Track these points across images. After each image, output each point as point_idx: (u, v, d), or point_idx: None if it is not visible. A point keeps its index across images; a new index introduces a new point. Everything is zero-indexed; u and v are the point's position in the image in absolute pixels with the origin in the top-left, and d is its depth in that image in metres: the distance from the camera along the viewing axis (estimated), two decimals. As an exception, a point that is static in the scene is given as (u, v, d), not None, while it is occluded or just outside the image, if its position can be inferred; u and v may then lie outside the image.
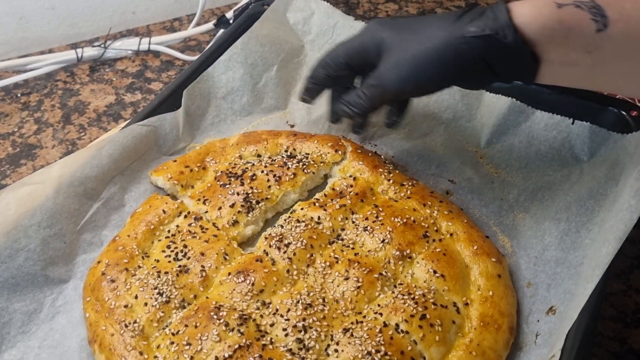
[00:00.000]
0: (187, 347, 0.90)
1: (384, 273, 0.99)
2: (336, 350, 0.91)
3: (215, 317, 0.92)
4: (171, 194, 1.13)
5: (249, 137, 1.19)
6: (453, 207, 1.10)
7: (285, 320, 0.93)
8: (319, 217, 1.06)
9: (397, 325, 0.93)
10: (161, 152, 1.19)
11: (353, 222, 1.06)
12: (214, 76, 1.27)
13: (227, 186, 1.10)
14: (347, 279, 0.98)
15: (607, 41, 0.86)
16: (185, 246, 1.02)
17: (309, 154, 1.17)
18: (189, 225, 1.06)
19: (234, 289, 0.97)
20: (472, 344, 0.93)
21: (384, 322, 0.93)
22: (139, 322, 0.94)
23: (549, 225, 1.08)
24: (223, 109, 1.27)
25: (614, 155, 1.08)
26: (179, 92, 1.23)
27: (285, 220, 1.06)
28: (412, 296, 0.96)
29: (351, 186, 1.11)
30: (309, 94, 1.10)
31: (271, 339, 0.92)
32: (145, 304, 0.95)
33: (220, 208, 1.08)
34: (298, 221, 1.05)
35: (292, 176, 1.12)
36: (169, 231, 1.06)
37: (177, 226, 1.06)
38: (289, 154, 1.17)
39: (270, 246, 1.02)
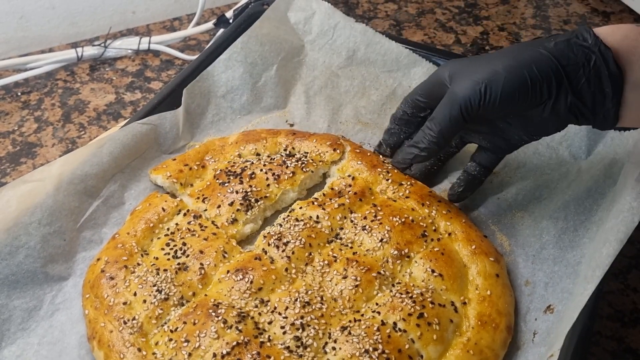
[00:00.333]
0: (185, 343, 0.91)
1: (382, 272, 1.00)
2: (334, 348, 0.91)
3: (213, 314, 0.93)
4: (170, 192, 1.14)
5: (248, 136, 1.20)
6: (451, 207, 1.11)
7: (284, 318, 0.94)
8: (317, 216, 1.07)
9: (394, 323, 0.93)
10: (161, 151, 1.20)
11: (352, 221, 1.07)
12: (214, 75, 1.28)
13: (226, 184, 1.11)
14: (345, 277, 0.99)
15: None
16: (184, 244, 1.03)
17: (307, 152, 1.17)
18: (188, 223, 1.07)
19: (233, 287, 0.97)
20: (470, 343, 0.94)
21: (382, 321, 0.94)
22: (137, 319, 0.95)
23: (547, 224, 1.08)
24: (223, 108, 1.28)
25: (612, 153, 1.10)
26: (178, 91, 1.24)
27: (284, 219, 1.07)
28: (410, 295, 0.96)
29: (350, 186, 1.11)
30: (389, 137, 1.13)
31: (269, 336, 0.93)
32: (144, 301, 0.96)
33: (219, 206, 1.08)
34: (297, 220, 1.06)
35: (291, 175, 1.12)
36: (168, 229, 1.07)
37: (177, 224, 1.07)
38: (288, 152, 1.18)
39: (269, 245, 1.03)
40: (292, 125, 1.29)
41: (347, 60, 1.34)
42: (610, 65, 0.91)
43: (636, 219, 0.92)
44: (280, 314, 0.95)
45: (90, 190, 1.10)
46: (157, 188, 1.16)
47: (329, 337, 0.93)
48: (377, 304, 0.96)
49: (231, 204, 1.08)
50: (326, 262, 1.01)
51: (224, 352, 0.89)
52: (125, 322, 0.94)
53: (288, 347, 0.91)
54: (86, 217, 1.09)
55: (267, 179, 1.12)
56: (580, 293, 0.91)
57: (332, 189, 1.11)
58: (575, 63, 0.93)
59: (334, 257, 1.02)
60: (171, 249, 1.03)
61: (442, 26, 1.65)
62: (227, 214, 1.08)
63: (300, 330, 0.93)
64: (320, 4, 1.36)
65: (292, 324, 0.93)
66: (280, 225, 1.06)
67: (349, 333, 0.92)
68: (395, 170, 1.15)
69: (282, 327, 0.93)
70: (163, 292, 0.97)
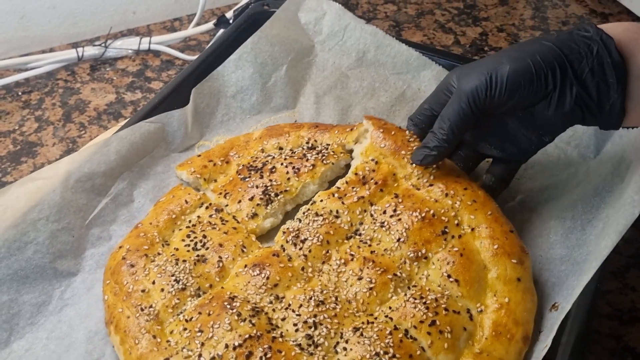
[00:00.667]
0: (199, 333, 0.93)
1: (398, 274, 0.99)
2: (345, 349, 0.92)
3: (228, 306, 0.94)
4: (195, 187, 1.16)
5: (271, 131, 1.21)
6: (478, 196, 1.06)
7: (297, 315, 0.95)
8: (337, 211, 1.06)
9: (406, 330, 0.93)
10: (170, 149, 1.22)
11: (371, 215, 1.06)
12: (224, 75, 1.29)
13: (247, 179, 1.12)
14: (360, 278, 0.98)
15: None
16: (204, 236, 1.05)
17: (329, 144, 1.18)
18: (210, 216, 1.08)
19: (249, 282, 0.99)
20: (482, 355, 0.93)
21: (395, 326, 0.94)
22: (154, 307, 0.97)
23: (554, 224, 1.09)
24: (232, 108, 1.29)
25: (620, 152, 1.10)
26: (179, 91, 1.26)
27: (304, 213, 1.07)
28: (424, 300, 0.96)
29: (373, 171, 1.09)
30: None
31: (282, 332, 0.94)
32: (162, 290, 0.98)
33: (240, 201, 1.10)
34: (317, 215, 1.06)
35: (310, 167, 1.13)
36: (189, 221, 1.08)
37: (198, 217, 1.09)
38: (309, 145, 1.19)
39: (287, 242, 1.04)
40: (301, 125, 1.30)
41: (357, 62, 1.35)
42: (612, 53, 0.93)
43: (637, 211, 0.93)
44: (294, 311, 0.95)
45: (98, 188, 1.11)
46: (165, 186, 1.18)
47: (341, 337, 0.93)
48: (390, 308, 0.96)
49: (251, 199, 1.10)
50: (343, 260, 1.01)
51: (236, 343, 0.90)
52: (142, 309, 0.96)
53: (299, 345, 0.92)
54: (95, 215, 1.10)
55: (287, 172, 1.12)
56: (579, 286, 0.93)
57: (355, 174, 1.09)
58: (578, 53, 0.95)
59: (351, 255, 1.01)
60: (191, 240, 1.05)
61: (442, 27, 1.67)
62: (247, 209, 1.09)
63: (313, 329, 0.93)
64: (331, 5, 1.38)
65: (305, 322, 0.94)
66: (300, 221, 1.06)
67: (361, 334, 0.92)
68: None
69: (295, 325, 0.94)
70: (181, 282, 0.98)
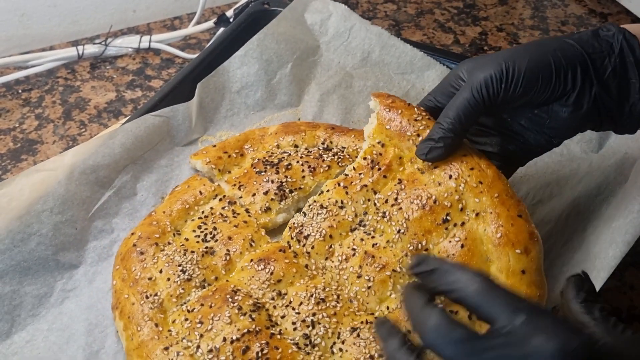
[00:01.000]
0: (199, 325, 0.94)
1: (397, 269, 0.97)
2: (340, 349, 0.92)
3: (230, 299, 0.95)
4: (209, 177, 1.17)
5: (287, 128, 1.23)
6: (486, 176, 0.98)
7: (296, 313, 0.95)
8: (342, 202, 1.04)
9: (403, 334, 0.91)
10: (174, 143, 1.23)
11: (375, 204, 1.03)
12: (229, 70, 1.31)
13: (262, 173, 1.14)
14: (359, 276, 0.98)
15: None
16: (215, 228, 1.06)
17: (345, 147, 1.19)
18: (222, 208, 1.10)
19: (253, 276, 1.00)
20: None
21: None
22: (159, 295, 0.98)
23: (556, 224, 1.10)
24: (237, 103, 1.31)
25: (624, 147, 1.12)
26: (179, 89, 1.28)
27: (309, 206, 1.06)
28: None
29: (380, 154, 1.05)
30: None
31: (280, 330, 0.95)
32: (168, 279, 0.99)
33: (254, 194, 1.11)
34: (322, 207, 1.05)
35: (326, 168, 1.15)
36: (202, 212, 1.10)
37: (211, 208, 1.10)
38: (325, 146, 1.20)
39: (292, 238, 1.05)
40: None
41: (361, 62, 1.37)
42: (636, 52, 0.92)
43: None
44: (294, 309, 0.96)
45: (102, 181, 1.13)
46: (168, 180, 1.19)
47: (338, 338, 0.94)
48: (388, 307, 0.96)
49: (266, 193, 1.11)
50: (345, 256, 1.01)
51: (234, 337, 0.92)
52: (147, 297, 0.98)
53: (297, 344, 0.93)
54: (98, 207, 1.12)
55: (303, 170, 1.14)
56: None
57: (364, 158, 1.07)
58: (601, 51, 0.92)
59: (353, 250, 1.00)
60: (202, 231, 1.06)
61: (441, 26, 1.69)
62: (261, 202, 1.11)
63: (310, 328, 0.94)
64: (337, 6, 1.40)
65: (303, 321, 0.95)
66: (305, 214, 1.06)
67: (358, 335, 0.93)
68: (428, 129, 1.03)
69: (294, 323, 0.95)
70: (187, 273, 1.00)
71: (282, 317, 0.96)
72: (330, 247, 1.02)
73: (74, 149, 1.13)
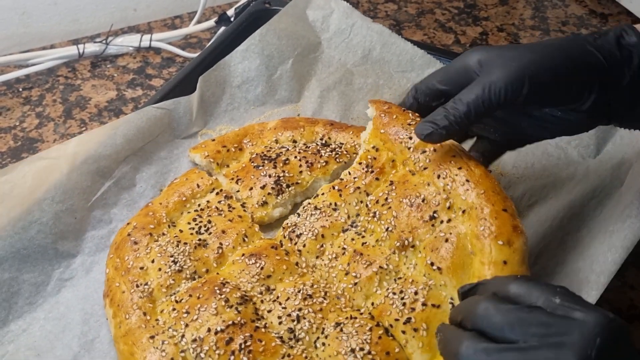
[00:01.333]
0: (185, 314, 0.95)
1: (384, 266, 0.98)
2: (323, 344, 0.93)
3: (218, 291, 0.97)
4: (207, 171, 1.19)
5: (286, 123, 1.24)
6: (473, 174, 0.98)
7: (282, 308, 0.96)
8: (335, 204, 1.06)
9: (386, 329, 0.93)
10: (174, 135, 1.25)
11: (367, 205, 1.05)
12: (231, 65, 1.32)
13: (260, 168, 1.15)
14: (347, 273, 0.99)
15: None
16: (209, 222, 1.08)
17: (343, 143, 1.21)
18: (219, 202, 1.11)
19: (243, 270, 1.01)
20: None
21: (378, 322, 0.94)
22: (149, 284, 0.99)
23: (550, 225, 1.10)
24: (237, 98, 1.33)
25: (621, 153, 1.12)
26: (180, 88, 1.29)
27: (304, 207, 1.09)
28: (402, 296, 0.94)
29: (374, 158, 1.08)
30: None
31: (265, 324, 0.96)
32: (159, 269, 1.01)
33: (251, 188, 1.13)
34: (315, 208, 1.07)
35: (323, 164, 1.16)
36: (199, 205, 1.12)
37: (208, 202, 1.12)
38: (323, 142, 1.22)
39: (284, 237, 1.06)
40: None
41: (362, 59, 1.38)
42: None
43: None
44: (280, 303, 0.97)
45: (102, 171, 1.14)
46: (167, 172, 1.21)
47: (322, 333, 0.94)
48: (373, 303, 0.97)
49: (263, 187, 1.13)
50: (335, 255, 1.02)
51: (218, 328, 0.93)
52: (137, 286, 0.99)
53: (281, 337, 0.94)
54: (97, 197, 1.13)
55: (300, 165, 1.16)
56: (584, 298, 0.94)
57: (359, 163, 1.09)
58: (622, 62, 0.91)
59: (344, 249, 1.02)
60: (197, 224, 1.08)
61: (442, 26, 1.70)
62: (258, 196, 1.12)
63: (295, 322, 0.95)
64: (339, 3, 1.41)
65: (289, 315, 0.96)
66: (299, 215, 1.08)
67: (341, 330, 0.93)
68: None
69: (279, 317, 0.96)
70: (178, 264, 1.01)
71: (269, 311, 0.97)
72: (322, 246, 1.04)
73: (77, 138, 1.15)
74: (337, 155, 1.18)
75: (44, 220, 1.06)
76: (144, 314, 0.97)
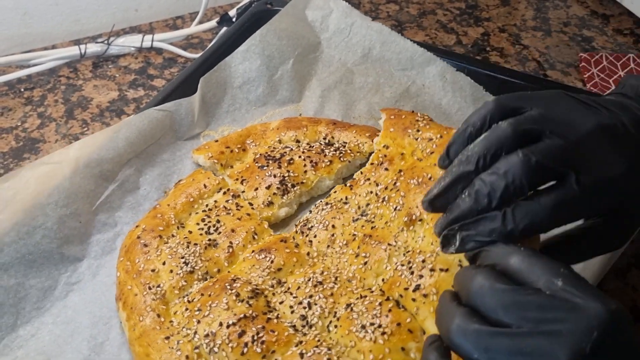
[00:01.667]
0: (197, 312, 0.96)
1: (393, 243, 1.00)
2: (336, 326, 0.93)
3: (228, 287, 0.98)
4: (212, 172, 1.19)
5: (289, 123, 1.25)
6: None
7: (293, 297, 0.98)
8: (346, 197, 1.11)
9: (397, 301, 0.93)
10: (176, 137, 1.25)
11: (376, 194, 1.09)
12: (231, 66, 1.33)
13: (264, 168, 1.16)
14: (357, 256, 1.01)
15: None
16: (218, 221, 1.09)
17: (346, 142, 1.22)
18: (226, 201, 1.12)
19: (254, 265, 1.02)
20: None
21: (387, 297, 0.94)
22: (162, 287, 1.00)
23: None
24: (238, 99, 1.33)
25: None
26: (182, 88, 1.30)
27: (316, 205, 1.12)
28: (410, 265, 0.95)
29: (385, 156, 1.13)
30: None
31: (278, 314, 0.97)
32: (171, 271, 1.01)
33: (256, 189, 1.14)
34: (326, 204, 1.11)
35: (328, 163, 1.18)
36: (207, 205, 1.12)
37: (215, 201, 1.13)
38: (327, 141, 1.23)
39: (296, 232, 1.08)
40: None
41: (362, 58, 1.39)
42: None
43: None
44: (291, 293, 0.99)
45: (105, 174, 1.14)
46: (170, 174, 1.21)
47: (334, 316, 0.95)
48: (383, 279, 0.98)
49: (268, 187, 1.14)
50: (345, 241, 1.04)
51: (230, 322, 0.94)
52: (150, 288, 1.00)
53: (294, 326, 0.95)
54: (101, 201, 1.13)
55: (305, 165, 1.17)
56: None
57: (371, 164, 1.14)
58: None
59: (354, 235, 1.04)
60: (205, 224, 1.08)
61: (444, 27, 1.70)
62: (263, 197, 1.13)
63: (307, 309, 0.96)
64: (338, 3, 1.42)
65: (300, 303, 0.97)
66: (310, 212, 1.11)
67: (351, 310, 0.94)
68: (428, 126, 1.13)
69: (291, 307, 0.97)
70: (189, 265, 1.02)
71: (280, 302, 0.98)
72: (333, 235, 1.06)
73: (79, 142, 1.15)
74: (341, 155, 1.19)
75: (49, 225, 1.06)
76: (158, 315, 0.97)
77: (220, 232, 1.07)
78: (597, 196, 0.78)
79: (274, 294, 1.00)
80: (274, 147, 1.22)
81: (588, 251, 0.86)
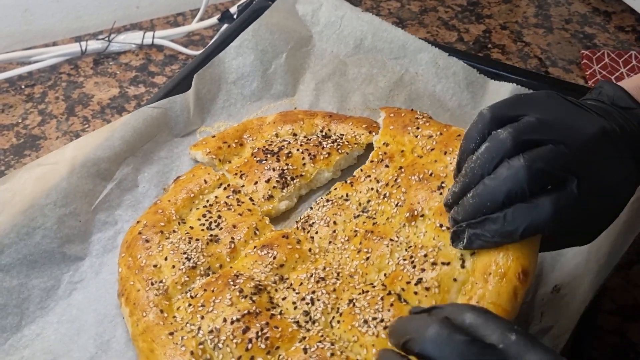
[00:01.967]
0: (200, 308, 0.97)
1: (395, 238, 1.00)
2: (338, 322, 0.94)
3: (231, 283, 0.99)
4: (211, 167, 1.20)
5: (285, 117, 1.26)
6: None
7: (296, 293, 0.99)
8: (347, 194, 1.12)
9: (398, 295, 0.94)
10: (173, 134, 1.26)
11: (377, 191, 1.09)
12: (225, 61, 1.33)
13: (263, 162, 1.17)
14: (359, 251, 1.01)
15: None
16: (219, 217, 1.09)
17: (343, 134, 1.23)
18: (227, 197, 1.13)
19: (256, 261, 1.03)
20: (471, 303, 0.86)
21: (389, 291, 0.94)
22: (164, 282, 1.01)
23: None
24: (233, 94, 1.34)
25: None
26: (183, 85, 1.30)
27: (316, 202, 1.13)
28: (412, 259, 0.95)
29: (385, 153, 1.14)
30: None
31: (281, 310, 0.98)
32: (173, 267, 1.02)
33: (256, 183, 1.15)
34: (327, 201, 1.12)
35: (326, 155, 1.19)
36: (207, 201, 1.13)
37: (216, 197, 1.13)
38: (324, 134, 1.24)
39: (297, 228, 1.09)
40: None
41: (354, 49, 1.39)
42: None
43: None
44: (294, 289, 0.99)
45: (103, 173, 1.15)
46: (168, 171, 1.22)
47: (337, 312, 0.96)
48: (385, 274, 0.98)
49: (268, 181, 1.15)
50: (347, 237, 1.05)
51: (234, 318, 0.94)
52: (152, 284, 1.01)
53: (297, 322, 0.96)
54: (100, 200, 1.14)
55: (304, 158, 1.18)
56: (590, 279, 0.94)
57: (371, 161, 1.15)
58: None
59: (355, 231, 1.05)
60: (207, 220, 1.09)
61: (445, 24, 1.71)
62: (263, 191, 1.14)
63: (310, 305, 0.97)
64: None
65: (303, 299, 0.98)
66: (311, 209, 1.12)
67: (354, 305, 0.95)
68: (428, 123, 1.16)
69: (294, 303, 0.98)
70: (192, 261, 1.03)
71: (283, 298, 0.99)
72: (334, 232, 1.07)
73: (75, 142, 1.16)
74: (338, 147, 1.20)
75: (48, 225, 1.07)
76: (161, 311, 0.98)
77: (221, 228, 1.08)
78: (598, 201, 0.82)
79: (276, 290, 1.00)
80: (271, 141, 1.23)
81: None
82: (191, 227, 1.09)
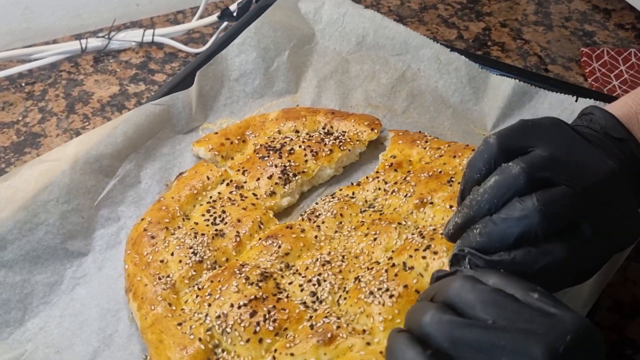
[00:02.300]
0: (208, 296, 0.98)
1: (403, 222, 1.03)
2: (345, 298, 0.96)
3: (237, 272, 1.00)
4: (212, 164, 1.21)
5: (288, 113, 1.27)
6: None
7: (303, 277, 1.00)
8: (353, 193, 1.13)
9: (404, 263, 0.95)
10: (175, 131, 1.26)
11: (385, 190, 1.11)
12: (228, 59, 1.34)
13: (265, 158, 1.18)
14: (367, 235, 1.03)
15: None
16: (223, 212, 1.10)
17: (345, 131, 1.24)
18: (230, 192, 1.14)
19: (261, 251, 1.04)
20: None
21: (393, 263, 0.96)
22: (172, 277, 1.02)
23: None
24: (236, 91, 1.34)
25: None
26: (185, 83, 1.31)
27: (322, 198, 1.15)
28: (421, 232, 0.99)
29: (391, 164, 1.15)
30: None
31: (287, 294, 0.99)
32: (180, 262, 1.03)
33: (258, 179, 1.16)
34: (333, 197, 1.14)
35: (328, 152, 1.20)
36: (210, 197, 1.14)
37: (219, 193, 1.14)
38: (326, 131, 1.25)
39: (302, 220, 1.10)
40: (302, 109, 1.34)
41: (356, 46, 1.40)
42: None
43: None
44: (300, 274, 1.01)
45: (106, 170, 1.16)
46: (171, 167, 1.23)
47: (344, 290, 0.97)
48: (392, 251, 1.00)
49: (270, 177, 1.16)
50: (353, 227, 1.07)
51: (241, 303, 0.95)
52: (160, 278, 1.01)
53: (304, 303, 0.97)
54: (103, 196, 1.15)
55: (306, 155, 1.19)
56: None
57: (377, 172, 1.17)
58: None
59: (362, 222, 1.06)
60: (211, 215, 1.10)
61: (445, 22, 1.71)
62: (265, 187, 1.15)
63: (317, 286, 0.98)
64: None
65: (309, 281, 0.99)
66: (316, 203, 1.14)
67: (359, 281, 0.96)
68: (436, 139, 1.18)
69: (300, 285, 0.99)
70: (198, 255, 1.04)
71: (290, 283, 1.00)
72: (340, 223, 1.08)
73: (77, 139, 1.16)
74: (341, 143, 1.21)
75: (51, 221, 1.07)
76: (169, 304, 0.99)
77: (226, 223, 1.09)
78: (612, 242, 0.82)
79: (282, 277, 1.02)
80: (273, 138, 1.24)
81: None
82: (196, 223, 1.09)
